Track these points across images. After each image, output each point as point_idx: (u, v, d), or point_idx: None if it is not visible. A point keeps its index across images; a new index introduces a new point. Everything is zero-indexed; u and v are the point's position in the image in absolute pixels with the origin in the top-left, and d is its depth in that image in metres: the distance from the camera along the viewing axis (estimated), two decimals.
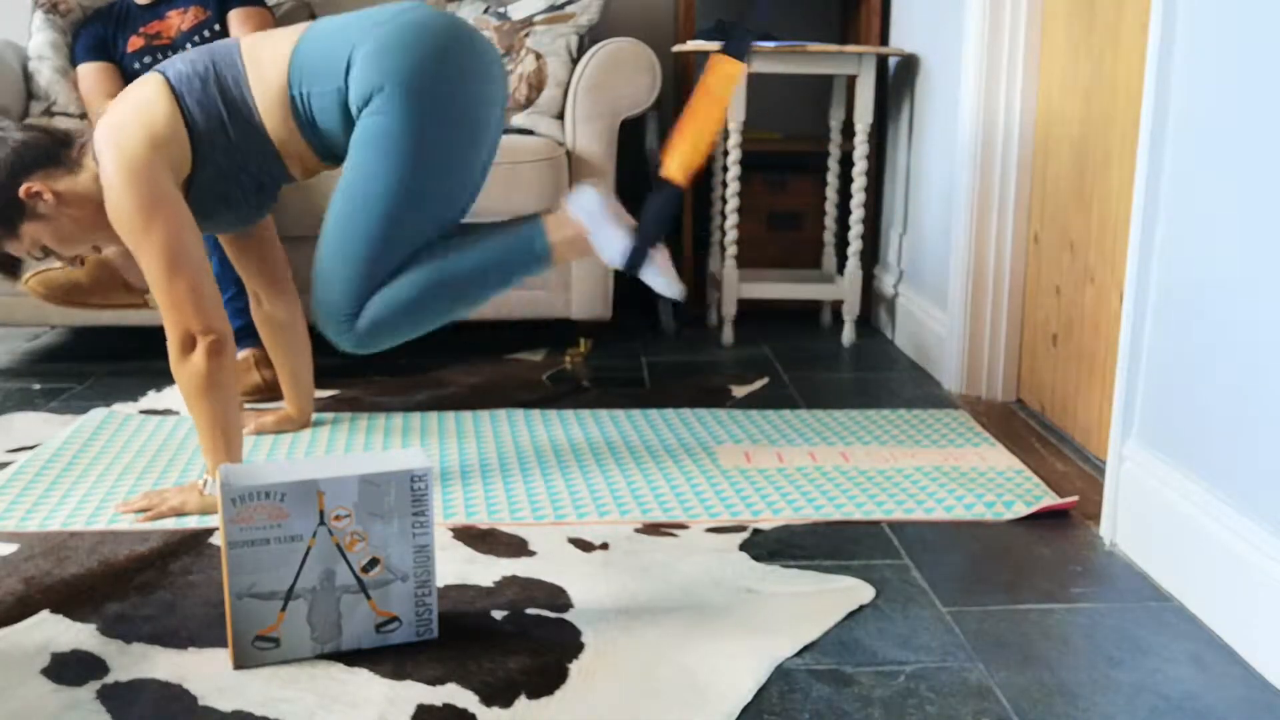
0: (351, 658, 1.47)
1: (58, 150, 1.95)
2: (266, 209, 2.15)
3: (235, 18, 3.08)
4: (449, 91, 1.97)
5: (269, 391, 2.55)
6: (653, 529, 1.88)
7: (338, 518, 1.43)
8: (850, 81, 3.46)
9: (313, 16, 3.36)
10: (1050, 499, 2.00)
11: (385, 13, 2.01)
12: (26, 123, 2.07)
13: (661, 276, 2.05)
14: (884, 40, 3.40)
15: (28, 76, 3.09)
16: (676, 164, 2.00)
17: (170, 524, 1.87)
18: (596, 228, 2.02)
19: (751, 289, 3.15)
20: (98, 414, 2.43)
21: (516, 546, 1.81)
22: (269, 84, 1.97)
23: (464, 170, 2.02)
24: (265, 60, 1.98)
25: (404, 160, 1.95)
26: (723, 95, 1.99)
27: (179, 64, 1.98)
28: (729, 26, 2.05)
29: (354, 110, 1.97)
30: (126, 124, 1.91)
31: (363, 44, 1.96)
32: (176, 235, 1.88)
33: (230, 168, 2.00)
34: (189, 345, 1.88)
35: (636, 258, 2.02)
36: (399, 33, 1.96)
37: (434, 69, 1.96)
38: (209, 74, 1.96)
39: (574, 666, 1.45)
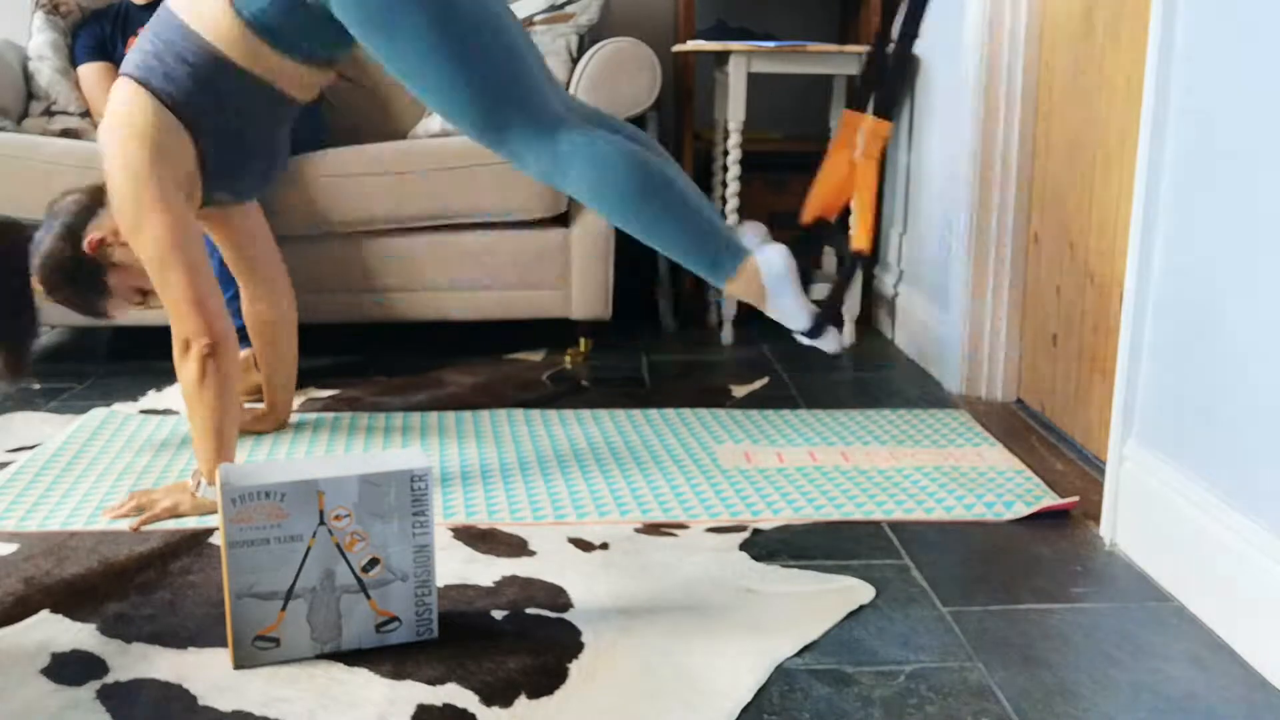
0: (351, 658, 1.47)
1: (99, 198, 2.06)
2: (285, 146, 2.13)
3: None
4: None
5: None
6: (653, 529, 1.88)
7: (338, 518, 1.43)
8: (850, 81, 3.46)
9: None
10: (1050, 499, 2.00)
11: None
12: (62, 194, 2.13)
13: (833, 340, 2.06)
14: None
15: (28, 76, 3.09)
16: (862, 235, 2.04)
17: (170, 524, 1.87)
18: (777, 293, 2.01)
19: None
20: (98, 414, 2.43)
21: (516, 546, 1.81)
22: (210, 16, 1.89)
23: None
24: None
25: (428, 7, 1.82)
26: (876, 156, 2.03)
27: (133, 57, 1.95)
28: (866, 78, 2.05)
29: None
30: (115, 132, 1.92)
31: None
32: (168, 234, 1.89)
33: (231, 116, 1.96)
34: (185, 347, 1.90)
35: (821, 326, 2.04)
36: None
37: None
38: (159, 48, 1.92)
39: (574, 666, 1.45)
